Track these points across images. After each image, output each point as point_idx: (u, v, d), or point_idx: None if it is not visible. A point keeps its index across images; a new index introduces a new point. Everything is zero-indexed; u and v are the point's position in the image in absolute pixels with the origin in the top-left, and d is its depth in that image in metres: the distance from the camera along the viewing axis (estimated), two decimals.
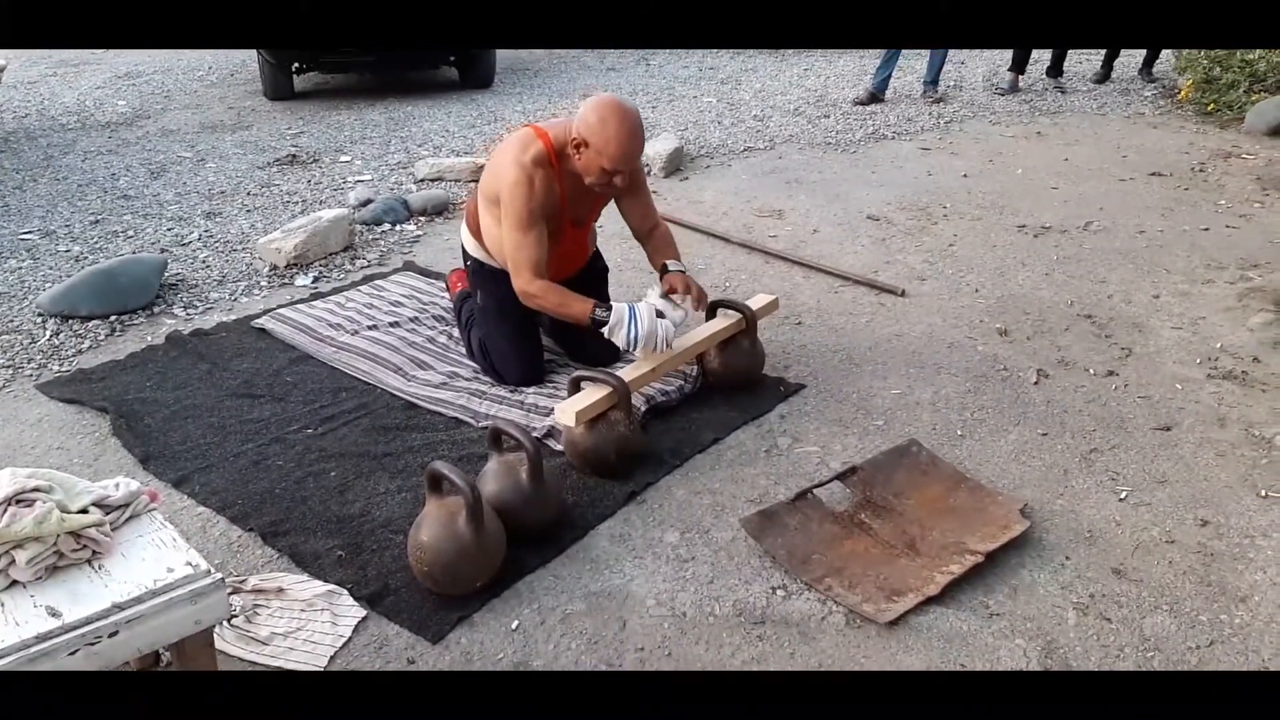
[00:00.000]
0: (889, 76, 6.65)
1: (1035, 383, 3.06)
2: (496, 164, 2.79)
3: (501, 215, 2.75)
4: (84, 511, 1.67)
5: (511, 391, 2.95)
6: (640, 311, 2.72)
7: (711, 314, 3.04)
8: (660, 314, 2.75)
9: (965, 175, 5.14)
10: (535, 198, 2.68)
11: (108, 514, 1.71)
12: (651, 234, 2.98)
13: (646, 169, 4.97)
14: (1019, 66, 6.95)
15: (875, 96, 6.64)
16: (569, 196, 2.80)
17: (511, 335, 3.00)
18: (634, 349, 2.74)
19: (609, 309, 2.72)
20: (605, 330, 2.72)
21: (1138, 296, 3.67)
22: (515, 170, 2.67)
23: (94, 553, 1.65)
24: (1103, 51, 7.42)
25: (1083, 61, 7.72)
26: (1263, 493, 2.51)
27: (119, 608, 1.56)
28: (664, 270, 2.88)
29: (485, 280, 3.04)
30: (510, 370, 3.00)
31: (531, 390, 2.96)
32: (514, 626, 2.09)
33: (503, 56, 7.91)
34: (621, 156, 2.63)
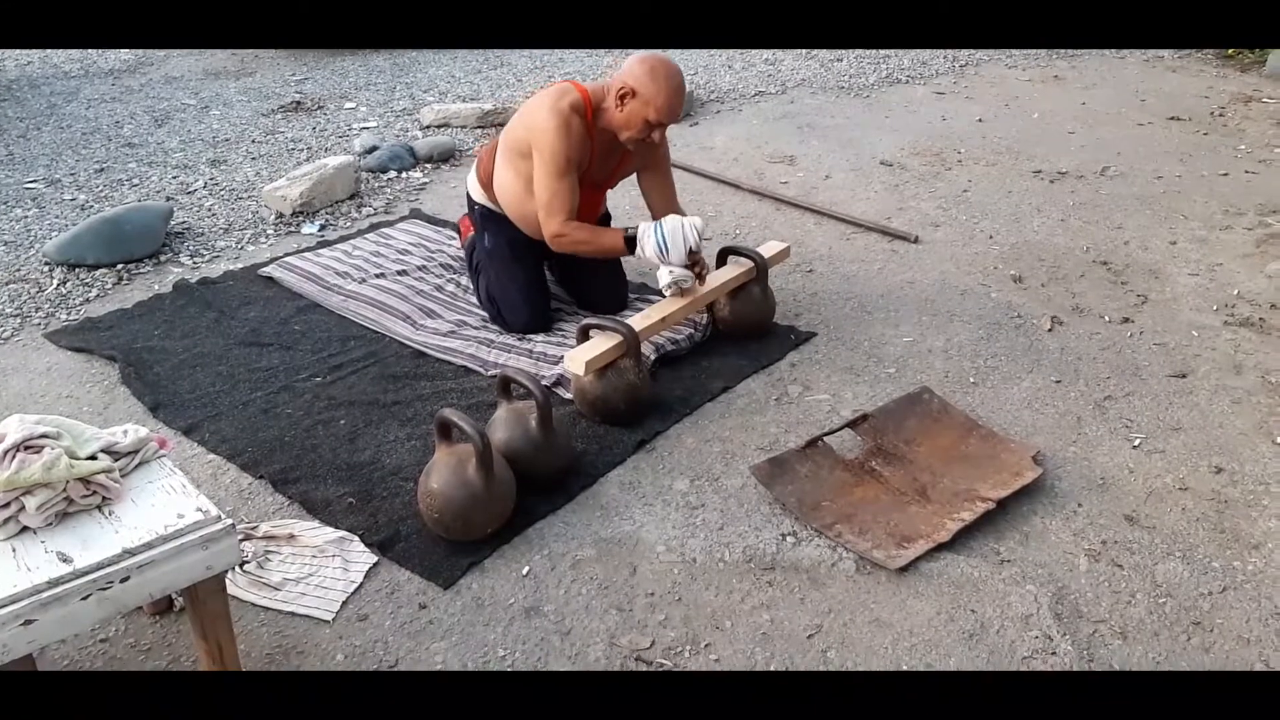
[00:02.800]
0: None
1: (1049, 330, 3.02)
2: (528, 114, 2.76)
3: (536, 162, 2.73)
4: (93, 458, 1.66)
5: (520, 340, 2.94)
6: (664, 221, 2.73)
7: (722, 261, 3.00)
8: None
9: (980, 120, 5.05)
10: (573, 144, 2.68)
11: (116, 460, 1.70)
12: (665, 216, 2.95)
13: None
14: None
15: None
16: (598, 154, 2.79)
17: (519, 281, 2.98)
18: (666, 253, 2.71)
19: (636, 228, 2.74)
20: (637, 246, 2.73)
21: (1154, 243, 3.62)
22: (554, 116, 2.66)
23: (104, 499, 1.65)
24: None
25: None
26: (1278, 440, 2.48)
27: (130, 553, 1.55)
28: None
29: (490, 223, 3.02)
30: (517, 317, 2.98)
31: (540, 339, 2.94)
32: (525, 572, 2.09)
33: None
34: (668, 108, 2.66)
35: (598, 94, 2.73)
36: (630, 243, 2.75)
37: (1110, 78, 5.79)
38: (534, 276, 3.03)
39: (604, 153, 2.81)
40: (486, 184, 2.98)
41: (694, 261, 2.76)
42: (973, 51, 6.39)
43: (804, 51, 6.48)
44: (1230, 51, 6.07)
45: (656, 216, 2.96)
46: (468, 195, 3.09)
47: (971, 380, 2.77)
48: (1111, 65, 6.10)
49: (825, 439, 2.44)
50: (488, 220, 3.02)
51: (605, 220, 3.20)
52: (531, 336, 2.96)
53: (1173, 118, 5.02)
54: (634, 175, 3.00)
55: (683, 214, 2.89)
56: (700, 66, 6.15)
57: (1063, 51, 6.37)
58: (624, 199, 3.65)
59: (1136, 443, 2.49)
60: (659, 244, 2.70)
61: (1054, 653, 1.88)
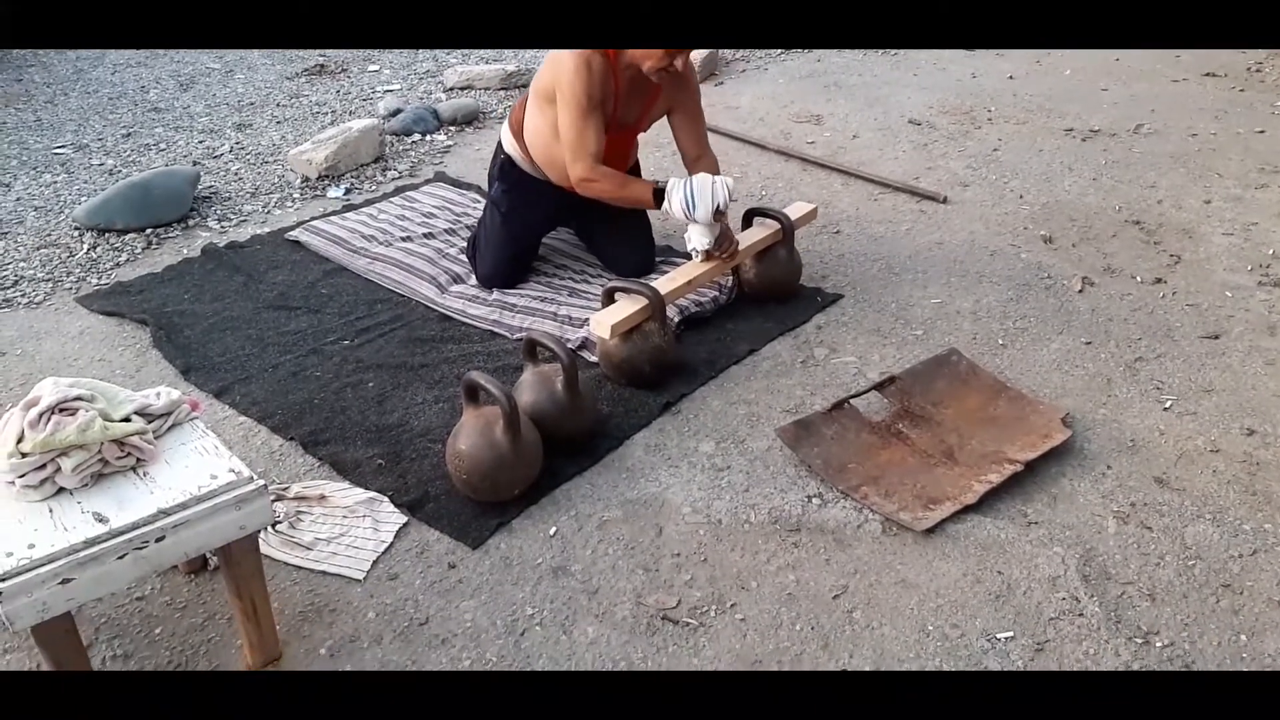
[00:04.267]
0: None
1: (1080, 291, 2.99)
2: (553, 57, 2.76)
3: (559, 105, 2.71)
4: (127, 420, 1.69)
5: (543, 303, 2.94)
6: (694, 178, 2.69)
7: (748, 223, 2.98)
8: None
9: (1011, 77, 4.96)
10: (594, 82, 2.65)
11: (150, 422, 1.73)
12: (699, 162, 2.92)
13: None
14: None
15: None
16: (623, 92, 2.76)
17: (503, 239, 3.01)
18: (694, 209, 2.66)
19: (667, 182, 2.72)
20: (665, 200, 2.70)
21: (1188, 202, 3.55)
22: (574, 58, 2.65)
23: (138, 460, 1.67)
24: None
25: None
26: None
27: (165, 513, 1.58)
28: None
29: (507, 175, 3.03)
30: (484, 266, 3.04)
31: (565, 301, 2.94)
32: (552, 533, 2.11)
33: None
34: None
35: None
36: (659, 196, 2.72)
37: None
38: (520, 242, 3.06)
39: (629, 91, 2.78)
40: (518, 132, 2.98)
41: (718, 224, 2.73)
42: None
43: None
44: None
45: (687, 159, 2.94)
46: (499, 143, 3.09)
47: (1000, 342, 2.74)
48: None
49: (851, 401, 2.43)
50: (506, 171, 3.03)
51: (635, 171, 3.18)
52: (556, 298, 2.96)
53: (1208, 74, 4.91)
54: (666, 120, 2.96)
55: (715, 163, 2.87)
56: None
57: None
58: (661, 157, 3.63)
59: (1167, 404, 2.46)
60: (686, 199, 2.65)
61: (1081, 614, 1.87)
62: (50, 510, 1.58)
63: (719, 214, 2.69)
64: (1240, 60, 5.08)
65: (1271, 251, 3.18)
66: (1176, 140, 4.10)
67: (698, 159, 2.92)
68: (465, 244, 3.26)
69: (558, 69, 2.69)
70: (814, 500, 2.18)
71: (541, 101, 2.81)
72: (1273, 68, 4.96)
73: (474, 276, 3.08)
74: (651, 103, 2.86)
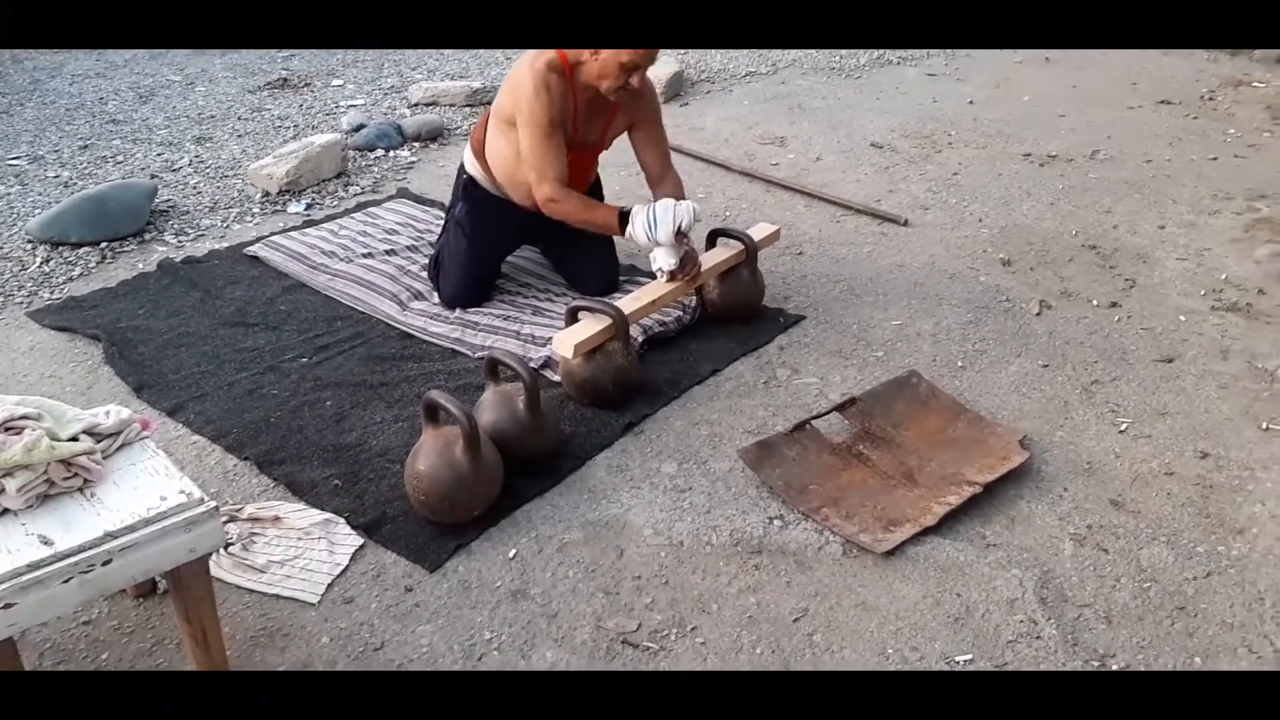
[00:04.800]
0: None
1: (1037, 314, 3.02)
2: (512, 79, 2.76)
3: (520, 127, 2.71)
4: (74, 439, 1.65)
5: (506, 321, 2.92)
6: (658, 202, 2.71)
7: (712, 243, 2.99)
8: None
9: (971, 102, 5.04)
10: (554, 103, 2.66)
11: (99, 442, 1.69)
12: (662, 180, 2.93)
13: None
14: None
15: None
16: (581, 112, 2.76)
17: (469, 258, 2.99)
18: (655, 230, 2.68)
19: (632, 208, 2.73)
20: (629, 225, 2.71)
21: (1143, 227, 3.62)
22: (532, 78, 2.64)
23: (85, 481, 1.63)
24: None
25: None
26: (1264, 425, 2.49)
27: (112, 536, 1.54)
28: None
29: (470, 196, 3.02)
30: (448, 286, 3.01)
31: (528, 320, 2.93)
32: (511, 555, 2.09)
33: None
34: (637, 50, 2.59)
35: (575, 51, 2.69)
36: (624, 220, 2.73)
37: (1101, 60, 5.77)
38: (485, 263, 3.05)
39: (589, 110, 2.78)
40: (479, 152, 2.97)
41: (681, 246, 2.74)
42: None
43: None
44: None
45: (650, 177, 2.95)
46: (461, 165, 3.07)
47: (959, 364, 2.77)
48: (1102, 48, 6.08)
49: (813, 422, 2.44)
50: (469, 191, 3.02)
51: (597, 186, 3.18)
52: (519, 317, 2.94)
53: (1163, 101, 5.01)
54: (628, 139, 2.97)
55: (679, 181, 2.89)
56: None
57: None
58: (626, 176, 3.63)
59: (1123, 427, 2.50)
60: (648, 223, 2.67)
61: (1039, 637, 1.88)
62: None
63: (681, 235, 2.70)
64: (1194, 89, 5.20)
65: (1224, 276, 3.24)
66: (1132, 166, 4.18)
67: (661, 178, 2.93)
68: (427, 261, 3.24)
69: (517, 92, 2.69)
70: (775, 522, 2.18)
71: (502, 124, 2.81)
72: (1225, 96, 5.07)
73: (436, 295, 3.05)
74: (610, 121, 2.87)
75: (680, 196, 2.87)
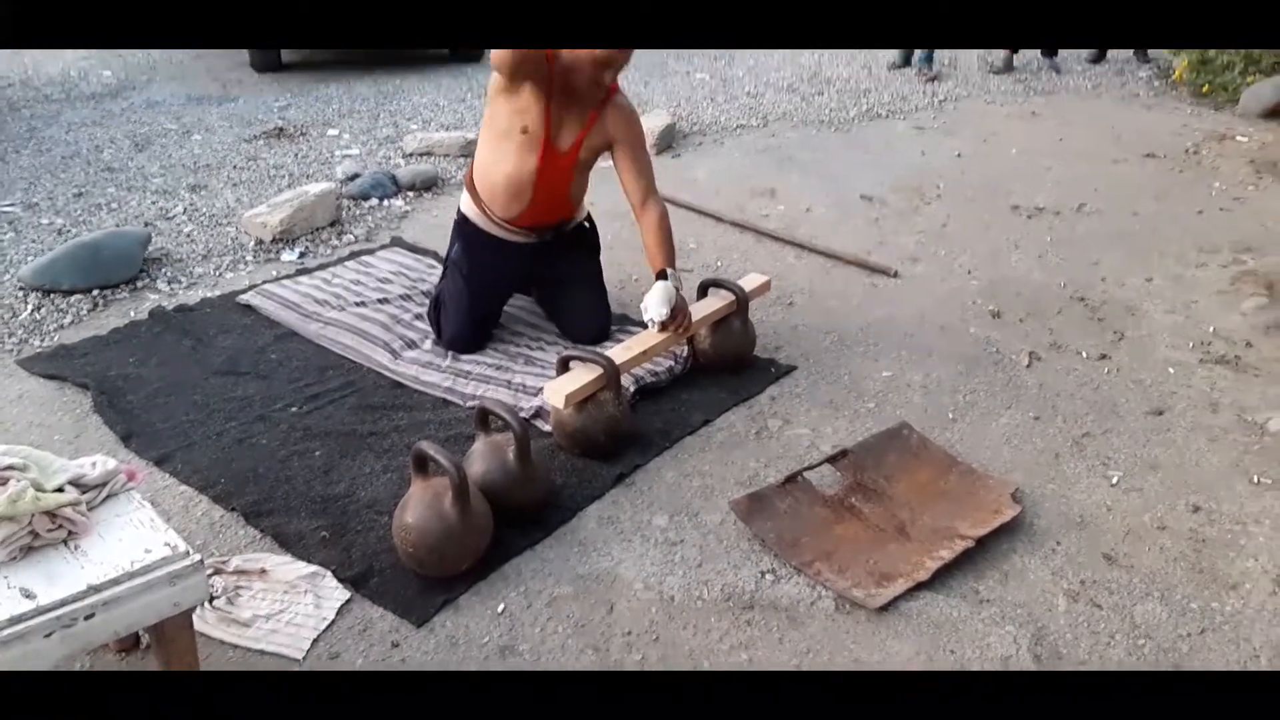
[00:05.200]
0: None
1: (1027, 366, 3.04)
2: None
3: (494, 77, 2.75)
4: (60, 490, 1.63)
5: (498, 370, 2.92)
6: (657, 285, 2.77)
7: (703, 293, 3.00)
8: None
9: (959, 155, 5.10)
10: (528, 53, 2.61)
11: (84, 493, 1.67)
12: (645, 206, 2.89)
13: None
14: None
15: (909, 62, 6.89)
16: (556, 98, 2.76)
17: (469, 299, 3.00)
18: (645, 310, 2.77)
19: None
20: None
21: (1130, 280, 3.65)
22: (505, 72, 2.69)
23: (70, 533, 1.61)
24: None
25: None
26: (1254, 479, 2.50)
27: (95, 589, 1.52)
28: (660, 276, 2.83)
29: (463, 233, 3.04)
30: (449, 327, 3.01)
31: (520, 369, 2.93)
32: (500, 610, 2.07)
33: None
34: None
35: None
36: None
37: (1086, 114, 5.87)
38: (484, 303, 3.06)
39: (563, 105, 2.78)
40: (470, 185, 2.99)
41: (676, 294, 2.76)
42: (952, 87, 6.46)
43: (785, 85, 6.54)
44: (1205, 89, 6.16)
45: (632, 203, 2.94)
46: (458, 208, 3.09)
47: (950, 416, 2.77)
48: (1087, 102, 6.18)
49: (805, 474, 2.43)
50: (462, 228, 3.04)
51: (588, 233, 3.17)
52: (511, 366, 2.94)
53: (1148, 155, 5.09)
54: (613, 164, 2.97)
55: (662, 208, 2.91)
56: (683, 99, 6.19)
57: (1039, 88, 6.46)
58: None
59: (1114, 480, 2.50)
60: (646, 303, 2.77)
61: None
62: None
63: (675, 311, 2.77)
64: (1178, 142, 5.28)
65: (1211, 329, 3.26)
66: (1118, 219, 4.23)
67: (644, 203, 2.90)
68: (420, 309, 3.24)
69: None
70: (767, 576, 2.16)
71: (485, 117, 2.85)
72: (1209, 150, 5.15)
73: (429, 341, 3.05)
74: (587, 129, 2.84)
75: (666, 241, 2.87)
